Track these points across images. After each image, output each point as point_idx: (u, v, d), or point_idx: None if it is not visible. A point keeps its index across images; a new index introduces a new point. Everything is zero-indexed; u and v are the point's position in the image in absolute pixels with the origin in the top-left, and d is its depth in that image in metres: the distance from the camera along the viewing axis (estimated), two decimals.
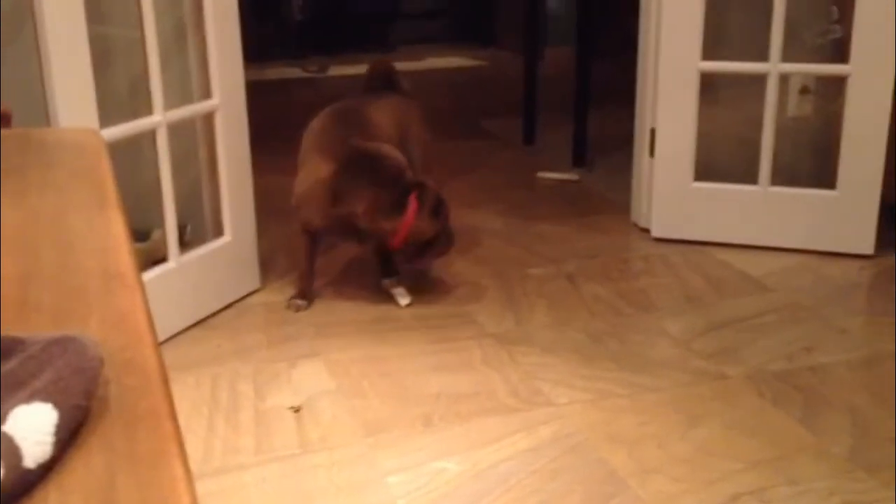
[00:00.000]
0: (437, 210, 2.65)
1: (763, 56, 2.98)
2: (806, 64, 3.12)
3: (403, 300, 2.77)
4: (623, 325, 2.62)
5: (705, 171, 3.15)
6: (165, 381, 0.69)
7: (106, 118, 2.33)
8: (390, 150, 2.67)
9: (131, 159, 2.78)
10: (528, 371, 2.37)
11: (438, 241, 2.70)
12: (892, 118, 2.89)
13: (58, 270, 0.86)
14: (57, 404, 0.56)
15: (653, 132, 3.18)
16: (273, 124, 4.97)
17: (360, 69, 6.80)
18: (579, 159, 4.12)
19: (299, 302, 2.75)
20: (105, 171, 1.12)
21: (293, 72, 6.63)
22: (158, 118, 2.45)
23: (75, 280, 0.84)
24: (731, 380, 2.31)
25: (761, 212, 3.11)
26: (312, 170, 2.66)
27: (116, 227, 0.94)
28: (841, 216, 3.03)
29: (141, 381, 0.67)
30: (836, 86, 3.08)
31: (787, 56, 2.97)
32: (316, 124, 2.82)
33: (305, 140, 2.80)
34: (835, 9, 3.11)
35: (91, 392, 0.59)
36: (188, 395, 2.27)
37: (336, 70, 6.64)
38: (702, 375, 2.34)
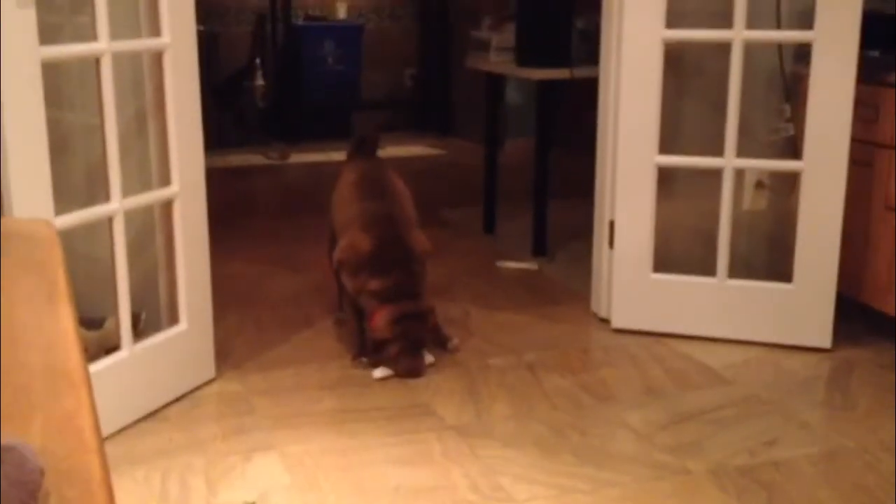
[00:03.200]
0: (399, 326, 2.79)
1: (719, 151, 3.04)
2: (760, 160, 3.18)
3: (377, 373, 2.83)
4: (584, 418, 2.59)
5: (664, 262, 3.18)
6: (108, 490, 0.65)
7: (63, 203, 2.29)
8: (420, 249, 2.92)
9: (86, 245, 2.73)
10: (489, 465, 2.32)
11: (390, 348, 2.81)
12: (845, 213, 2.94)
13: (1, 367, 0.82)
14: None
15: (612, 224, 3.21)
16: (233, 211, 4.96)
17: (321, 157, 6.85)
18: (539, 249, 4.14)
19: (363, 359, 2.92)
20: (56, 262, 1.09)
21: (255, 159, 6.65)
22: (115, 206, 2.42)
23: (19, 378, 0.81)
24: (694, 475, 2.28)
25: (719, 304, 3.13)
26: (354, 241, 2.87)
27: (65, 322, 0.91)
28: (798, 309, 3.05)
29: (82, 491, 0.63)
30: (791, 181, 3.14)
31: (741, 152, 3.04)
32: (347, 194, 3.06)
33: (341, 211, 3.04)
34: (787, 107, 3.20)
35: None
36: (137, 491, 2.19)
37: (297, 157, 6.67)
38: (664, 470, 2.30)
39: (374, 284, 2.83)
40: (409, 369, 2.82)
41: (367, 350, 2.92)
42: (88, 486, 0.63)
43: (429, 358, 2.89)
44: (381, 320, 2.80)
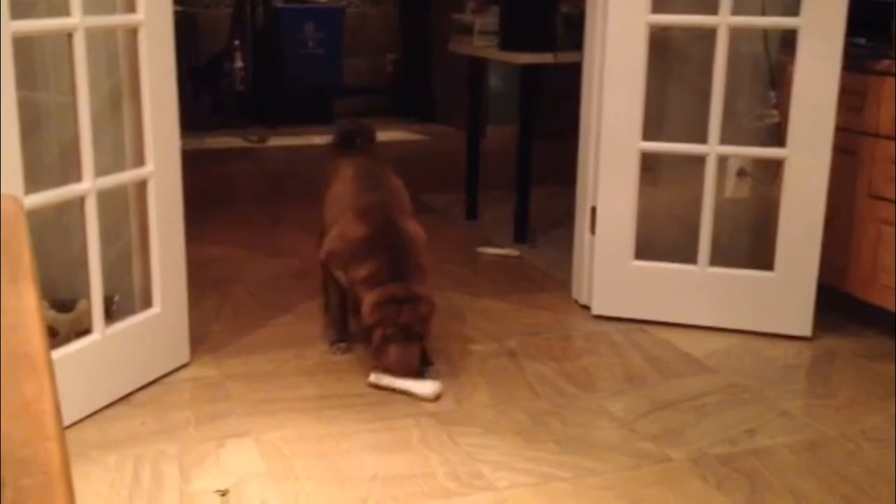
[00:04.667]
0: (383, 309, 2.59)
1: (702, 138, 3.01)
2: (744, 147, 3.16)
3: (371, 378, 2.65)
4: (565, 405, 2.57)
5: (646, 249, 3.15)
6: (67, 480, 0.61)
7: (36, 183, 2.24)
8: (413, 234, 2.74)
9: (59, 226, 2.67)
10: (469, 452, 2.29)
11: (374, 334, 2.62)
12: (828, 202, 2.93)
13: None
14: None
15: (594, 210, 3.18)
16: (211, 194, 4.89)
17: (301, 141, 6.78)
18: (521, 235, 4.12)
19: (341, 345, 2.88)
20: (21, 240, 1.04)
21: (234, 142, 6.57)
22: (87, 185, 2.36)
23: None
24: (675, 463, 2.26)
25: (701, 291, 3.11)
26: (345, 229, 2.74)
27: (28, 303, 0.86)
28: (779, 298, 3.04)
29: (40, 480, 0.59)
30: (773, 169, 3.12)
31: (725, 139, 3.01)
32: (341, 190, 2.90)
33: (336, 202, 2.88)
34: (773, 94, 3.18)
35: None
36: (108, 477, 2.14)
37: (276, 141, 6.61)
38: (645, 458, 2.28)
39: (363, 271, 2.66)
40: (398, 360, 2.59)
41: (346, 336, 2.87)
42: (46, 475, 0.59)
43: (435, 385, 2.59)
44: (365, 305, 2.63)
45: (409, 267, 2.68)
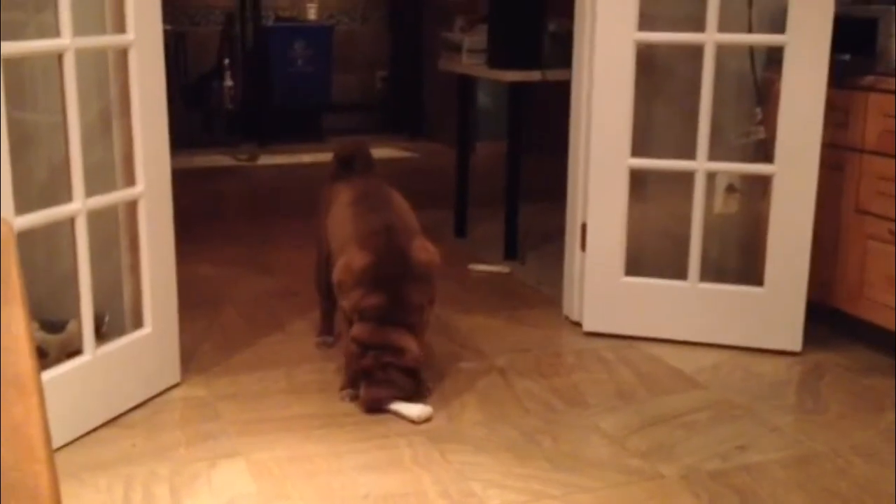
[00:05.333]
0: (365, 349, 2.55)
1: (691, 154, 3.03)
2: (732, 163, 3.18)
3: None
4: (556, 422, 2.57)
5: (636, 265, 3.16)
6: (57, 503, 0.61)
7: (26, 203, 2.23)
8: (422, 259, 2.64)
9: (49, 246, 2.67)
10: (460, 470, 2.29)
11: (350, 370, 2.62)
12: (816, 217, 2.95)
13: None
14: None
15: (584, 227, 3.20)
16: (201, 213, 4.89)
17: (290, 159, 6.79)
18: (511, 252, 4.12)
19: (328, 338, 3.02)
20: (10, 263, 1.04)
21: (224, 160, 6.58)
22: (78, 205, 2.36)
23: None
24: (666, 479, 2.26)
25: (691, 307, 3.12)
26: (350, 260, 2.62)
27: (17, 326, 0.86)
28: (768, 313, 3.05)
29: None
30: (761, 185, 3.14)
31: (713, 155, 3.03)
32: (343, 214, 2.78)
33: (340, 229, 2.76)
34: (759, 110, 3.20)
35: None
36: (98, 499, 2.13)
37: (266, 159, 6.61)
38: (636, 475, 2.28)
39: (366, 301, 2.55)
40: (365, 401, 2.57)
41: (333, 330, 3.01)
42: (36, 499, 0.59)
43: (425, 409, 2.57)
44: (350, 336, 2.58)
45: (408, 307, 2.58)
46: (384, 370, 2.55)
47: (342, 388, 2.69)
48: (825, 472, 2.31)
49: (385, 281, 2.56)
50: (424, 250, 2.65)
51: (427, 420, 2.54)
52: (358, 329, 2.57)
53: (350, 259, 2.61)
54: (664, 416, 2.61)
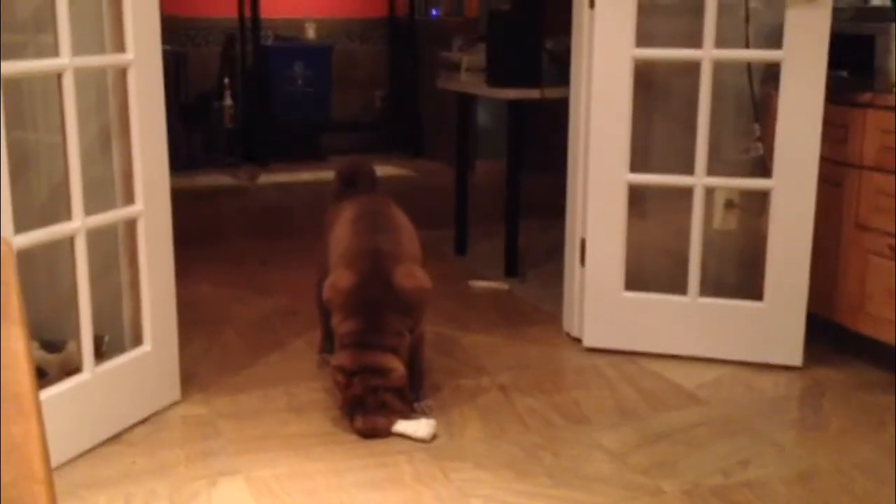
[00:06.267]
0: (348, 376, 2.51)
1: (689, 170, 3.04)
2: (731, 178, 3.19)
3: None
4: (557, 439, 2.56)
5: (636, 281, 3.17)
6: None
7: (25, 222, 2.24)
8: (405, 286, 2.58)
9: (48, 266, 2.67)
10: (461, 488, 2.28)
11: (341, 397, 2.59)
12: (816, 232, 2.95)
13: None
14: None
15: (583, 242, 3.20)
16: (201, 233, 4.90)
17: (291, 178, 6.80)
18: (511, 269, 4.12)
19: (326, 356, 2.91)
20: (10, 283, 1.04)
21: (223, 180, 6.59)
22: (77, 224, 2.37)
23: None
24: (668, 495, 2.26)
25: (691, 322, 3.12)
26: (336, 278, 2.62)
27: (16, 345, 0.86)
28: (769, 328, 3.05)
29: None
30: (760, 201, 3.15)
31: (712, 171, 3.04)
32: (342, 233, 2.76)
33: (336, 248, 2.74)
34: (757, 126, 3.21)
35: None
36: None
37: (266, 179, 6.63)
38: (638, 490, 2.28)
39: (344, 326, 2.55)
40: (362, 430, 2.52)
41: (332, 348, 2.79)
42: None
43: (430, 423, 2.55)
44: (332, 365, 2.56)
45: (387, 332, 2.53)
46: (374, 395, 2.51)
47: (320, 352, 2.98)
48: (827, 487, 2.30)
49: (364, 306, 2.55)
50: (410, 277, 2.59)
51: (434, 437, 2.53)
52: (339, 358, 2.54)
53: (337, 278, 2.61)
54: (665, 432, 2.60)
